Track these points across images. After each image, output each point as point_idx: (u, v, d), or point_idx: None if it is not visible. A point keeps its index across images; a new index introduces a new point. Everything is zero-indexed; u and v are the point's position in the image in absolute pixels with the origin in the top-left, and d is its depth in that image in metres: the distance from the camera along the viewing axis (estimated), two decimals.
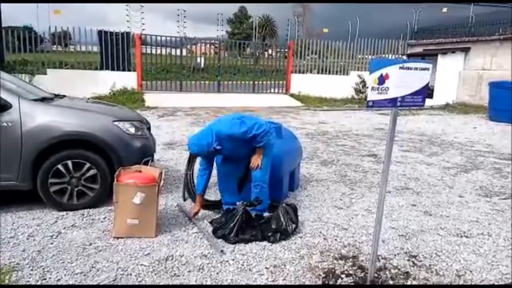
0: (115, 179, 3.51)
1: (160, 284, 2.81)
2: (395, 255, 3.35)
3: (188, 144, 3.83)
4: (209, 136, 3.67)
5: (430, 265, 3.20)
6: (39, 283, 2.77)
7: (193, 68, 17.04)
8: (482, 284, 3.02)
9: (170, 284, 2.81)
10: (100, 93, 13.28)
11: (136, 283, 2.81)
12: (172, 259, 3.13)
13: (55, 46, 16.30)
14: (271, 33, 48.13)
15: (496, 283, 3.01)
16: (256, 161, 3.82)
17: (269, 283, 2.87)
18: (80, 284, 2.78)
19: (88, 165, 4.02)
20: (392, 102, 2.58)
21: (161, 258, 3.14)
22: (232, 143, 3.72)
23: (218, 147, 3.67)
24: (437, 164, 6.70)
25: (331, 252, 3.35)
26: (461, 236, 3.80)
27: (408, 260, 3.27)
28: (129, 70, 14.73)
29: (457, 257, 3.36)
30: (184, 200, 4.45)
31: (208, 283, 2.84)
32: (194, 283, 2.83)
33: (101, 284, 2.79)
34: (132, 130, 4.38)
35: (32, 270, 2.91)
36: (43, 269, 2.93)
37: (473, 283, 2.99)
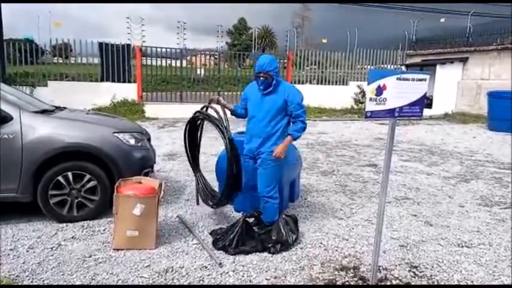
0: (115, 190, 3.52)
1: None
2: (396, 265, 3.34)
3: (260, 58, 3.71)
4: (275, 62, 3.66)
5: (431, 275, 3.19)
6: None
7: (194, 79, 17.09)
8: (482, 284, 3.02)
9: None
10: (101, 105, 13.32)
11: None
12: (172, 271, 3.12)
13: (56, 58, 16.38)
14: (271, 44, 48.44)
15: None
16: (280, 149, 3.62)
17: None
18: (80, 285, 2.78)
19: (88, 176, 4.03)
20: (390, 113, 2.60)
21: (161, 270, 3.13)
22: (271, 101, 3.65)
23: (266, 76, 3.58)
24: (437, 173, 6.70)
25: (331, 263, 3.34)
26: (462, 246, 3.79)
27: (409, 271, 3.26)
28: (129, 81, 14.78)
29: (458, 267, 3.35)
30: (198, 203, 4.32)
31: None
32: None
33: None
34: (132, 141, 4.40)
35: (32, 282, 2.90)
36: (43, 281, 2.92)
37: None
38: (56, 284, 2.90)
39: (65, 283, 2.90)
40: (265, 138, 3.70)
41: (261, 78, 3.61)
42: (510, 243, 3.89)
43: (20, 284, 2.88)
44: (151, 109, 13.74)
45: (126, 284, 2.92)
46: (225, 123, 3.73)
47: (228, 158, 3.70)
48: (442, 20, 21.83)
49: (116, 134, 4.28)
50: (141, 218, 3.43)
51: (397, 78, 2.55)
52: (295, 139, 3.71)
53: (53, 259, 3.26)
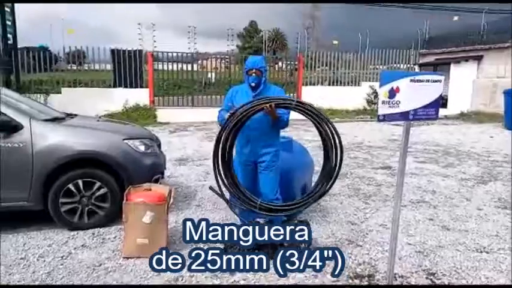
0: (125, 198, 3.49)
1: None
2: (412, 273, 3.23)
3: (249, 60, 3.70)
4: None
5: (449, 283, 3.08)
6: None
7: (205, 82, 17.14)
8: (483, 284, 2.94)
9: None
10: (113, 111, 13.42)
11: None
12: (182, 279, 3.07)
13: (69, 65, 16.59)
14: (282, 47, 48.35)
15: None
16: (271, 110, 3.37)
17: None
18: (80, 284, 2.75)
19: (98, 184, 4.02)
20: (404, 116, 2.51)
21: (171, 278, 3.08)
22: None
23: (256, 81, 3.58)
24: (453, 175, 6.53)
25: (345, 271, 3.24)
26: (481, 252, 3.65)
27: (426, 278, 3.15)
28: (141, 87, 14.88)
29: (478, 274, 3.23)
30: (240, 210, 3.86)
31: None
32: None
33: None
34: (142, 148, 4.38)
35: None
36: None
37: None
38: None
39: None
40: (265, 141, 3.63)
41: (253, 75, 3.60)
42: None
43: None
44: (163, 114, 13.81)
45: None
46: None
47: (336, 155, 3.52)
48: (456, 18, 21.47)
49: (125, 141, 4.27)
50: (151, 225, 3.39)
51: (411, 80, 2.46)
52: (280, 120, 3.50)
53: (63, 268, 3.24)
